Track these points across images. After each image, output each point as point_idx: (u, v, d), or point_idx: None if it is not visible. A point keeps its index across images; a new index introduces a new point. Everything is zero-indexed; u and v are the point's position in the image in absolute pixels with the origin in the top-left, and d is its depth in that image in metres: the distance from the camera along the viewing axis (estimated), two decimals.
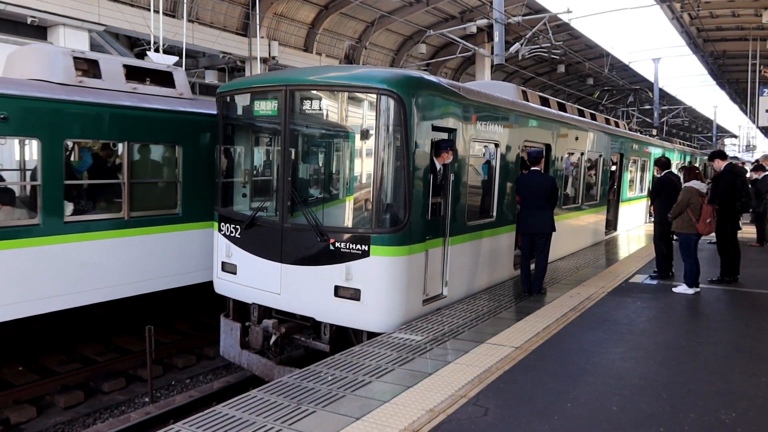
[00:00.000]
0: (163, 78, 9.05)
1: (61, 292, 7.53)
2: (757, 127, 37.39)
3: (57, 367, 8.22)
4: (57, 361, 8.39)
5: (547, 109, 10.69)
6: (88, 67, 8.21)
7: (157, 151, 8.81)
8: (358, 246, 6.43)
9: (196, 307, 10.18)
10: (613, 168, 14.97)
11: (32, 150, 7.75)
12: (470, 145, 7.66)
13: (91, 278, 7.84)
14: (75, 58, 8.08)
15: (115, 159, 8.47)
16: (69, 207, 7.68)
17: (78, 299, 7.74)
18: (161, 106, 8.57)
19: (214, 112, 8.24)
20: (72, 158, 8.00)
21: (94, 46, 17.51)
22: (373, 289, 6.41)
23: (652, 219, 10.77)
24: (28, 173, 7.86)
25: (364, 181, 6.91)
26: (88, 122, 7.79)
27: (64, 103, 7.46)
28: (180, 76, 9.27)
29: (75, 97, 7.61)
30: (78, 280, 7.70)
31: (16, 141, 7.76)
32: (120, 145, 8.22)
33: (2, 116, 6.84)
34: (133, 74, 8.61)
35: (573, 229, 12.11)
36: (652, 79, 35.55)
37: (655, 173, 10.34)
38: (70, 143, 7.73)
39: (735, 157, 46.63)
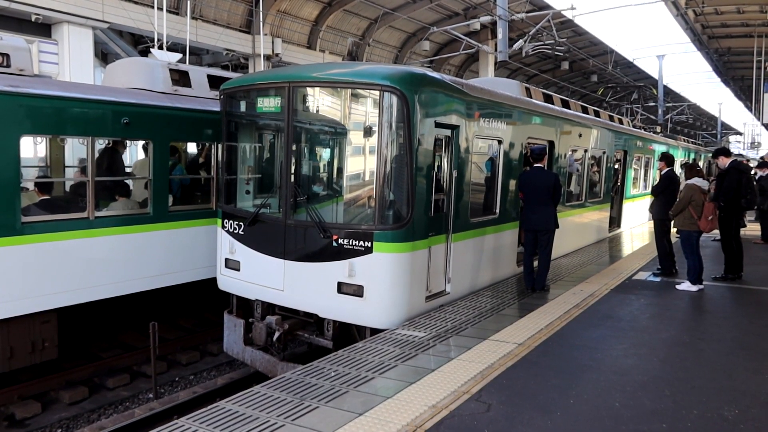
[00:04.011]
0: None
1: (167, 271, 8.62)
2: (762, 124, 37.21)
3: (61, 363, 8.26)
4: (61, 357, 8.43)
5: (550, 105, 10.67)
6: (179, 77, 9.25)
7: None
8: (362, 242, 6.44)
9: (201, 303, 10.20)
10: (617, 165, 14.94)
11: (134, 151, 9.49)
12: (473, 142, 7.66)
13: (190, 260, 8.89)
14: (170, 69, 9.13)
15: (198, 158, 10.11)
16: (170, 199, 8.81)
17: (178, 278, 8.78)
18: None
19: None
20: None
21: (97, 44, 17.55)
22: (376, 285, 6.42)
23: (652, 217, 10.72)
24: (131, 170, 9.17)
25: (367, 177, 6.91)
26: (187, 126, 8.84)
27: (169, 110, 8.48)
28: None
29: (177, 104, 8.63)
30: (180, 262, 8.77)
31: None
32: (205, 145, 9.45)
33: (125, 121, 7.84)
34: (215, 83, 9.48)
35: (576, 226, 12.09)
36: (656, 76, 35.44)
37: (660, 168, 10.29)
38: (173, 144, 8.84)
39: (740, 155, 46.41)
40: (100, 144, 8.18)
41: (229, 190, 7.98)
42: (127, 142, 8.85)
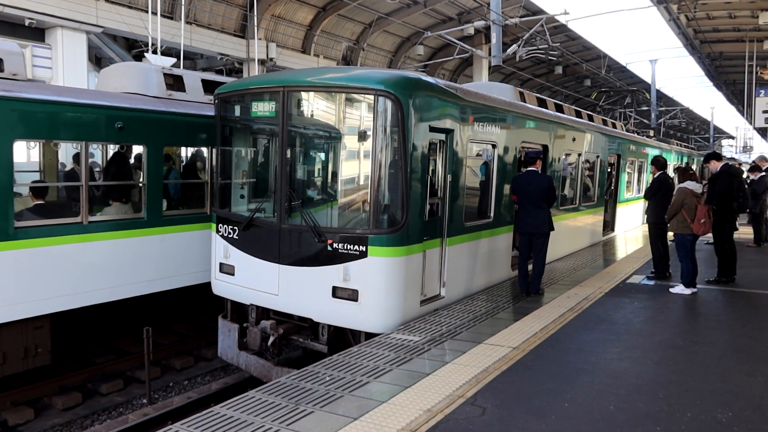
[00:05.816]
0: None
1: (161, 276, 8.58)
2: (754, 128, 37.45)
3: (55, 369, 8.21)
4: (54, 363, 8.38)
5: (544, 110, 10.71)
6: (173, 82, 9.23)
7: None
8: (356, 247, 6.44)
9: (195, 308, 10.17)
10: (611, 169, 14.99)
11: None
12: (468, 146, 7.68)
13: (184, 265, 8.86)
14: (165, 74, 9.13)
15: (194, 162, 10.11)
16: (164, 203, 8.77)
17: (172, 282, 8.76)
18: None
19: None
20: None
21: (91, 48, 17.50)
22: (370, 289, 6.42)
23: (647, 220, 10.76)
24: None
25: (361, 182, 6.92)
26: (182, 130, 8.83)
27: (164, 114, 8.48)
28: None
29: (171, 108, 8.63)
30: (174, 266, 8.75)
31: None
32: (205, 150, 9.45)
33: (119, 126, 7.84)
34: (209, 87, 9.50)
35: (570, 229, 12.13)
36: (649, 81, 35.62)
37: (653, 172, 10.36)
38: (166, 149, 8.80)
39: (732, 158, 46.67)
40: (94, 148, 8.17)
41: (223, 194, 7.97)
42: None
